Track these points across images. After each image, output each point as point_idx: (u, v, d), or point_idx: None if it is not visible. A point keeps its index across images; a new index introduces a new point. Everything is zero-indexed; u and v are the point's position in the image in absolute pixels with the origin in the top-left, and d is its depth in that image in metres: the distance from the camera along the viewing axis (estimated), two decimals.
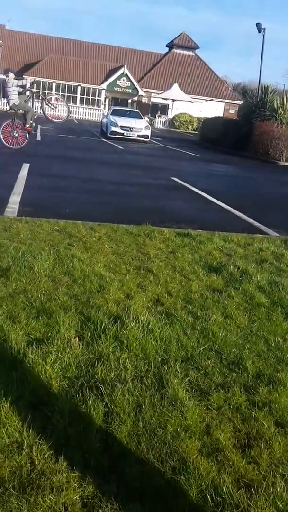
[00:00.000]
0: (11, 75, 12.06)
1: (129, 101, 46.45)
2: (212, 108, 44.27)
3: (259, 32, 23.54)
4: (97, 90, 46.64)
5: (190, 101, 43.16)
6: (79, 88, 46.67)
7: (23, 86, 12.52)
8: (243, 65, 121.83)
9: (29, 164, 10.04)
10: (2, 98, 13.52)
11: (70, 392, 2.32)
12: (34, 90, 14.14)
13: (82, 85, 46.49)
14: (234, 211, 7.72)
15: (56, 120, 14.75)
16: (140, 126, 22.83)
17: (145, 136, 22.74)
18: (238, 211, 7.66)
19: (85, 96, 47.00)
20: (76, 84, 46.43)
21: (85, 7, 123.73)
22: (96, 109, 45.17)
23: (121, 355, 2.70)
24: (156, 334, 2.98)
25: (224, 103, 48.51)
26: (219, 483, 1.87)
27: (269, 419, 2.29)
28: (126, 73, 45.30)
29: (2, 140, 12.16)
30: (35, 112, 13.23)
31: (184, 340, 2.96)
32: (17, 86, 12.11)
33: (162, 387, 2.46)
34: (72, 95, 46.78)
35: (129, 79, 45.47)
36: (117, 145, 19.51)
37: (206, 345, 2.94)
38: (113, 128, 22.25)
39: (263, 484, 1.89)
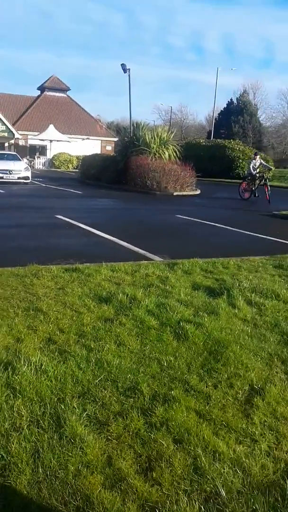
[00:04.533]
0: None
1: (6, 144, 45.72)
2: (89, 146, 45.31)
3: (124, 72, 24.77)
4: None
5: (67, 141, 43.74)
6: None
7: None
8: (114, 104, 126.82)
9: None
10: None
11: None
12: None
13: None
14: (119, 241, 7.91)
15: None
16: (19, 168, 22.61)
17: (26, 178, 22.55)
18: (123, 241, 7.86)
19: None
20: None
21: None
22: None
23: (14, 403, 2.58)
24: (50, 373, 2.91)
25: (100, 141, 49.96)
26: None
27: (167, 437, 2.34)
28: None
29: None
30: None
31: (79, 375, 2.93)
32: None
33: (60, 427, 2.40)
34: None
35: (3, 123, 44.82)
36: None
37: (102, 376, 2.93)
38: None
39: (167, 504, 1.92)
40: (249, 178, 18.31)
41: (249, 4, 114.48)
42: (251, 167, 18.05)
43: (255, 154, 19.32)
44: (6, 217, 11.19)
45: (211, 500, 1.94)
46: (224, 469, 2.11)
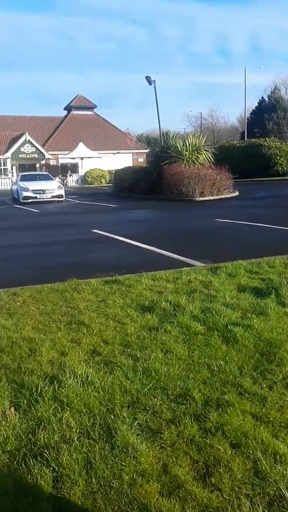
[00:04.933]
0: None
1: (37, 165, 46.87)
2: (121, 160, 45.76)
3: (150, 84, 24.91)
4: (1, 159, 46.67)
5: (98, 157, 44.41)
6: None
7: None
8: (142, 117, 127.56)
9: None
10: None
11: (12, 465, 2.14)
12: None
13: None
14: (158, 250, 7.86)
15: None
16: (52, 187, 23.06)
17: (60, 196, 22.96)
18: (163, 250, 7.80)
19: None
20: None
21: None
22: (4, 178, 45.02)
23: (63, 415, 2.56)
24: (97, 385, 2.87)
25: (131, 154, 50.44)
26: None
27: (224, 442, 2.25)
28: (28, 140, 45.89)
29: None
30: None
31: (127, 385, 2.88)
32: None
33: (111, 437, 2.35)
34: None
35: (33, 145, 46.07)
36: (32, 209, 19.47)
37: (150, 384, 2.87)
38: (25, 193, 22.25)
39: (228, 509, 1.83)
40: None
41: (271, 1, 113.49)
42: None
43: None
44: (42, 235, 11.39)
45: (275, 504, 1.83)
46: (286, 471, 2.00)
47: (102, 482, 2.01)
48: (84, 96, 54.01)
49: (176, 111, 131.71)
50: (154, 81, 24.90)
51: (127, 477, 2.03)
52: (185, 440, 2.30)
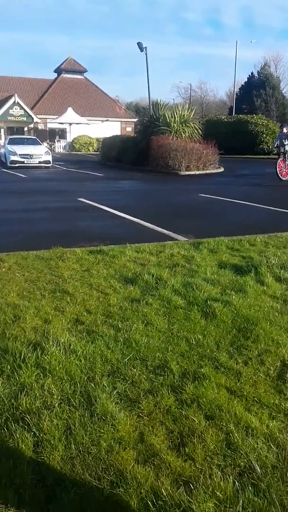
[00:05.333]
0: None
1: (25, 129, 45.80)
2: (109, 128, 44.97)
3: (141, 51, 24.27)
4: None
5: (87, 123, 43.58)
6: None
7: None
8: (132, 84, 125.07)
9: None
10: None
11: None
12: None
13: None
14: (143, 222, 7.87)
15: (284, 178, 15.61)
16: (40, 153, 22.68)
17: (47, 162, 22.62)
18: (147, 222, 7.82)
19: None
20: None
21: None
22: None
23: (45, 382, 2.61)
24: (79, 353, 2.93)
25: (120, 122, 49.62)
26: (158, 487, 1.86)
27: (199, 414, 2.33)
28: (17, 102, 44.62)
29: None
30: None
31: (108, 354, 2.94)
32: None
33: (91, 404, 2.42)
34: None
35: (21, 107, 44.85)
36: (19, 174, 19.18)
37: (130, 354, 2.94)
38: (13, 157, 21.85)
39: (200, 478, 1.92)
40: (275, 153, 17.63)
41: None
42: (278, 141, 17.20)
43: (281, 127, 18.51)
44: (28, 201, 11.27)
45: (246, 475, 1.93)
46: (257, 444, 2.10)
47: (80, 448, 2.09)
48: (74, 59, 52.54)
49: (166, 81, 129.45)
50: (145, 47, 24.28)
51: (105, 444, 2.11)
52: (161, 410, 2.38)
